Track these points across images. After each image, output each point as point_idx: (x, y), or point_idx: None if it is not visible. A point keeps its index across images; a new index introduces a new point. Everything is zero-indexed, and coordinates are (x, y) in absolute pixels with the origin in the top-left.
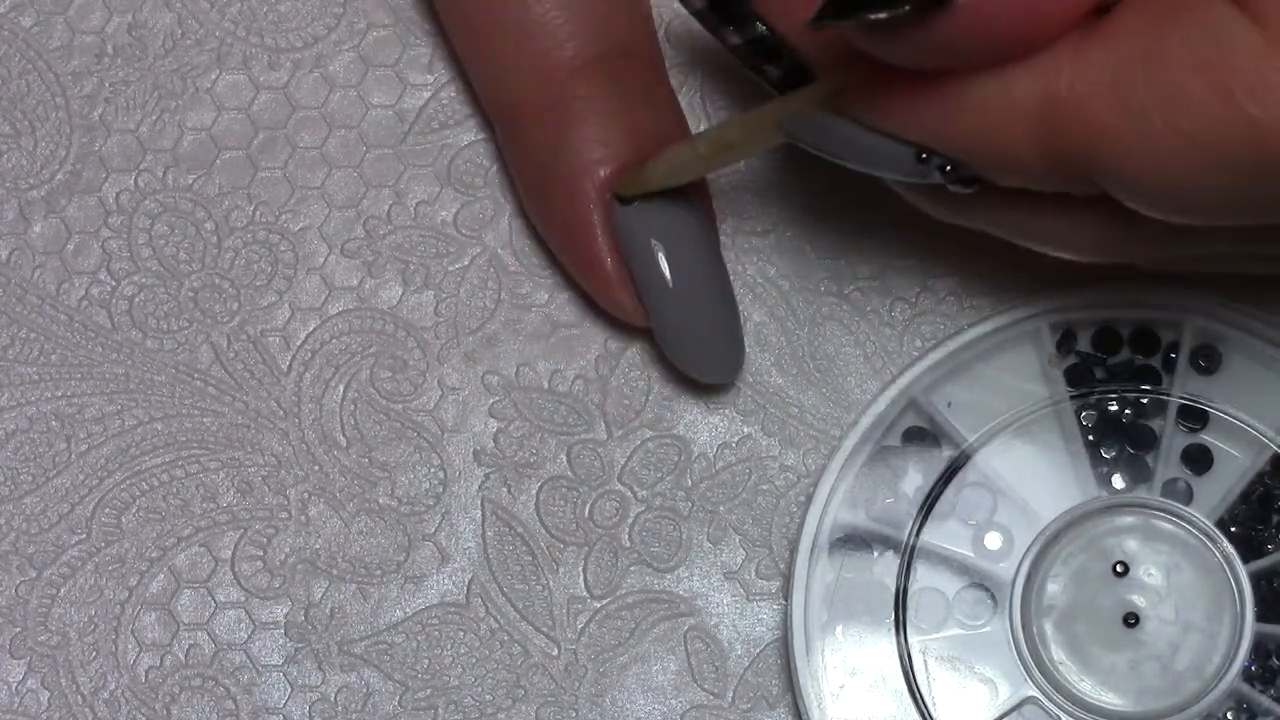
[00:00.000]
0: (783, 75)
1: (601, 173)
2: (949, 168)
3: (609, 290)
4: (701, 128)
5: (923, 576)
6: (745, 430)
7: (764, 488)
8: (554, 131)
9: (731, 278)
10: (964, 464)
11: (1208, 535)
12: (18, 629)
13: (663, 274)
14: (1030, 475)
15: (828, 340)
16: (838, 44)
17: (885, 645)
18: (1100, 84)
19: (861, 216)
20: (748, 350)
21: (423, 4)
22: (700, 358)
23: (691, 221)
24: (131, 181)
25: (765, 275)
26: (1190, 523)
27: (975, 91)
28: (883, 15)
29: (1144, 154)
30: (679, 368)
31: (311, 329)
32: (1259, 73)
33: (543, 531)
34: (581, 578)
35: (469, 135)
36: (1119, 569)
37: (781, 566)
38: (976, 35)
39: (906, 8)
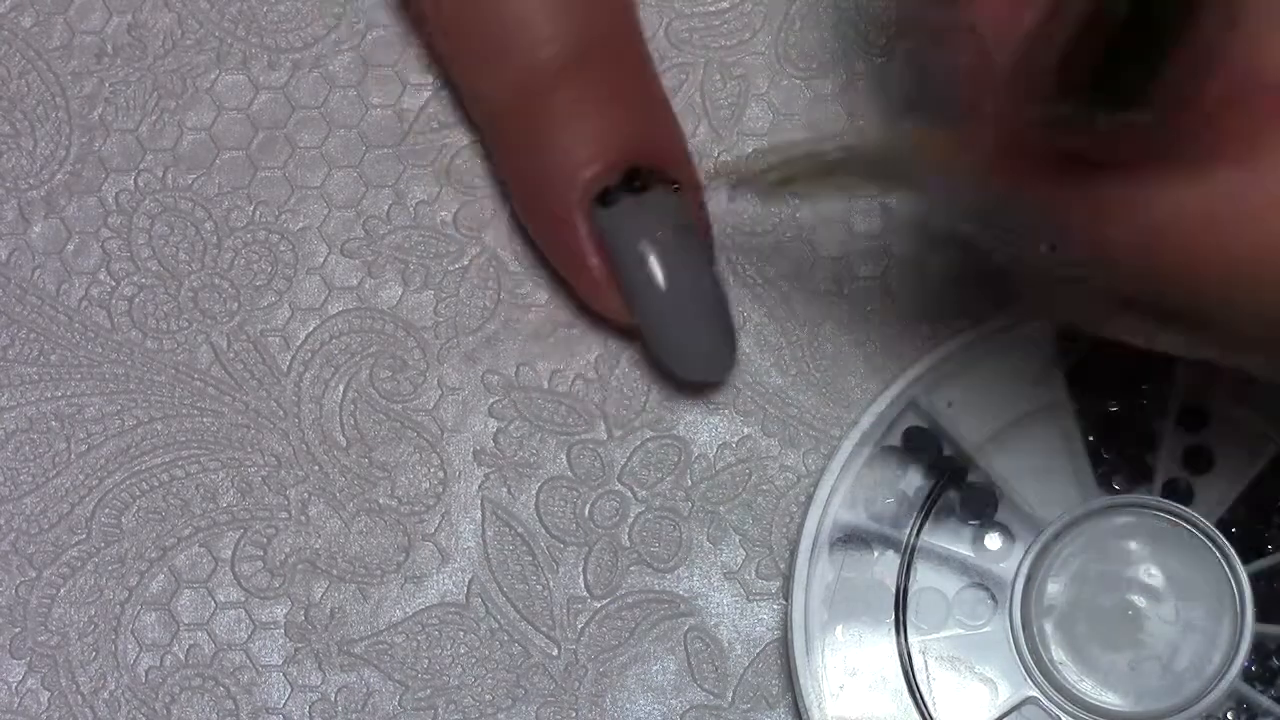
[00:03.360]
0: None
1: (585, 174)
2: (1054, 246)
3: (595, 290)
4: (701, 128)
5: (923, 576)
6: (745, 430)
7: (764, 488)
8: (537, 131)
9: (731, 278)
10: (964, 464)
11: (1208, 536)
12: (18, 629)
13: (650, 276)
14: (1031, 475)
15: (828, 340)
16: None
17: (885, 645)
18: (1229, 200)
19: (862, 216)
20: (748, 351)
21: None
22: (685, 357)
23: (673, 221)
24: (131, 181)
25: (765, 275)
26: (1191, 523)
27: (1126, 193)
28: (1124, 115)
29: (1251, 273)
30: (666, 367)
31: (311, 329)
32: None
33: (543, 531)
34: (581, 578)
35: (469, 135)
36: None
37: (781, 566)
38: (1191, 137)
39: (1141, 110)
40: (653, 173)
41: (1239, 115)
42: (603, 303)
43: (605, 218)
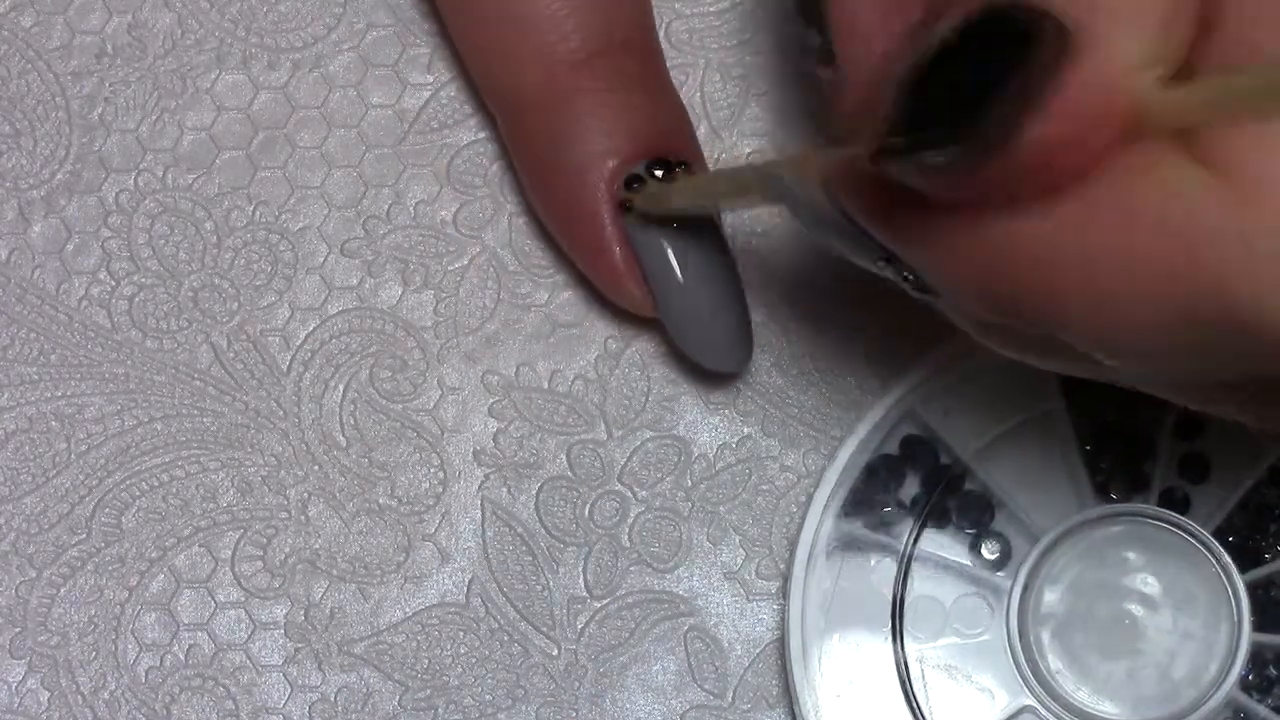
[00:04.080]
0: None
1: (609, 164)
2: (910, 275)
3: (617, 281)
4: (701, 129)
5: (920, 585)
6: (745, 430)
7: (764, 488)
8: (560, 123)
9: None
10: (961, 473)
11: (1205, 545)
12: (18, 629)
13: (671, 266)
14: (1028, 484)
15: (828, 340)
16: (859, 109)
17: (882, 653)
18: (1067, 235)
19: None
20: None
21: (423, 3)
22: (711, 347)
23: (699, 213)
24: (131, 181)
25: (765, 275)
26: (1188, 532)
27: (962, 226)
28: (942, 157)
29: (1102, 307)
30: (689, 356)
31: (311, 329)
32: (1218, 229)
33: (543, 531)
34: (581, 578)
35: (468, 135)
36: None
37: (781, 567)
38: (1026, 174)
39: (963, 149)
40: (674, 162)
41: (1073, 152)
42: (622, 294)
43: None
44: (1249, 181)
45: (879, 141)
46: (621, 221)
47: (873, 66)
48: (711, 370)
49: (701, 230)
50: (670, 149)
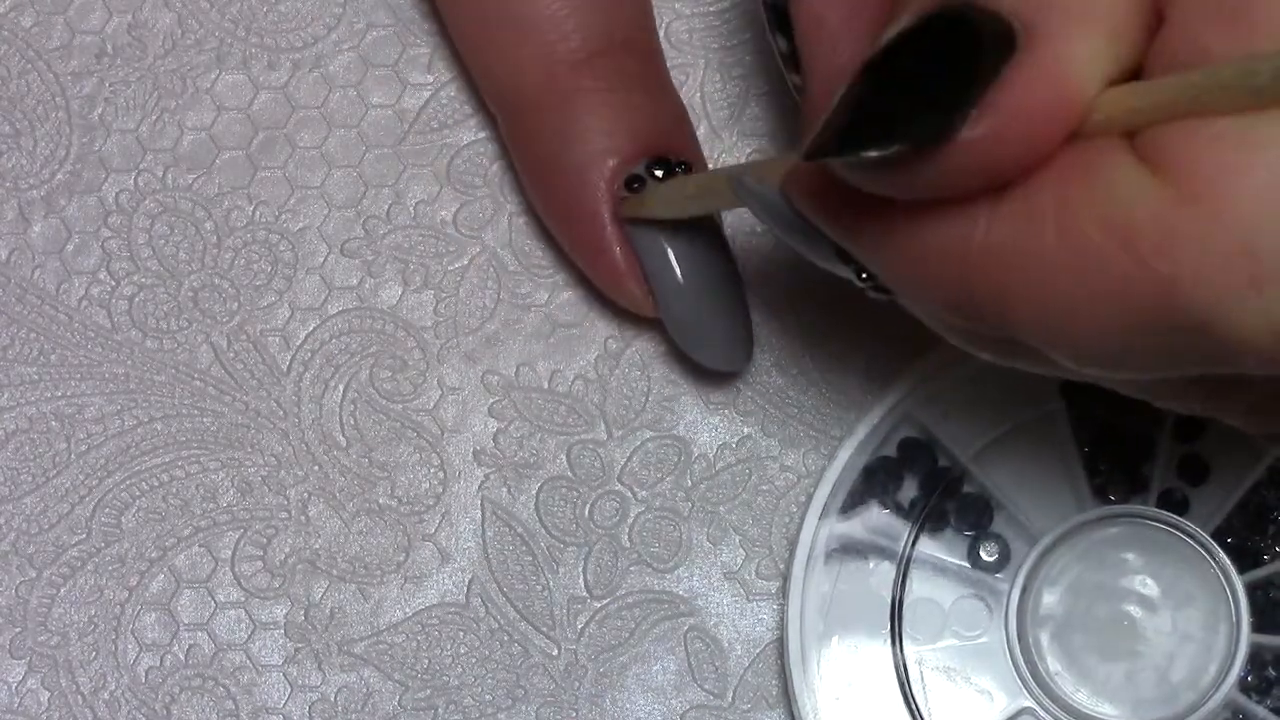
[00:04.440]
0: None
1: (610, 163)
2: (866, 275)
3: (618, 280)
4: (701, 129)
5: (919, 587)
6: (745, 430)
7: (764, 488)
8: (561, 123)
9: None
10: (960, 475)
11: (1204, 546)
12: (18, 629)
13: (671, 266)
14: (1026, 486)
15: (828, 340)
16: (817, 102)
17: (881, 656)
18: (1013, 236)
19: None
20: None
21: (423, 3)
22: (710, 347)
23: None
24: (131, 181)
25: (765, 275)
26: (1187, 533)
27: (909, 226)
28: (877, 154)
29: (1052, 308)
30: (690, 356)
31: (311, 329)
32: (1164, 229)
33: (543, 531)
34: (581, 578)
35: (468, 135)
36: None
37: (781, 567)
38: (967, 173)
39: (900, 146)
40: (675, 162)
41: (1016, 150)
42: (623, 293)
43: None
44: (1198, 181)
45: (814, 139)
46: (621, 221)
47: (839, 68)
48: (711, 370)
49: (701, 230)
50: (671, 149)
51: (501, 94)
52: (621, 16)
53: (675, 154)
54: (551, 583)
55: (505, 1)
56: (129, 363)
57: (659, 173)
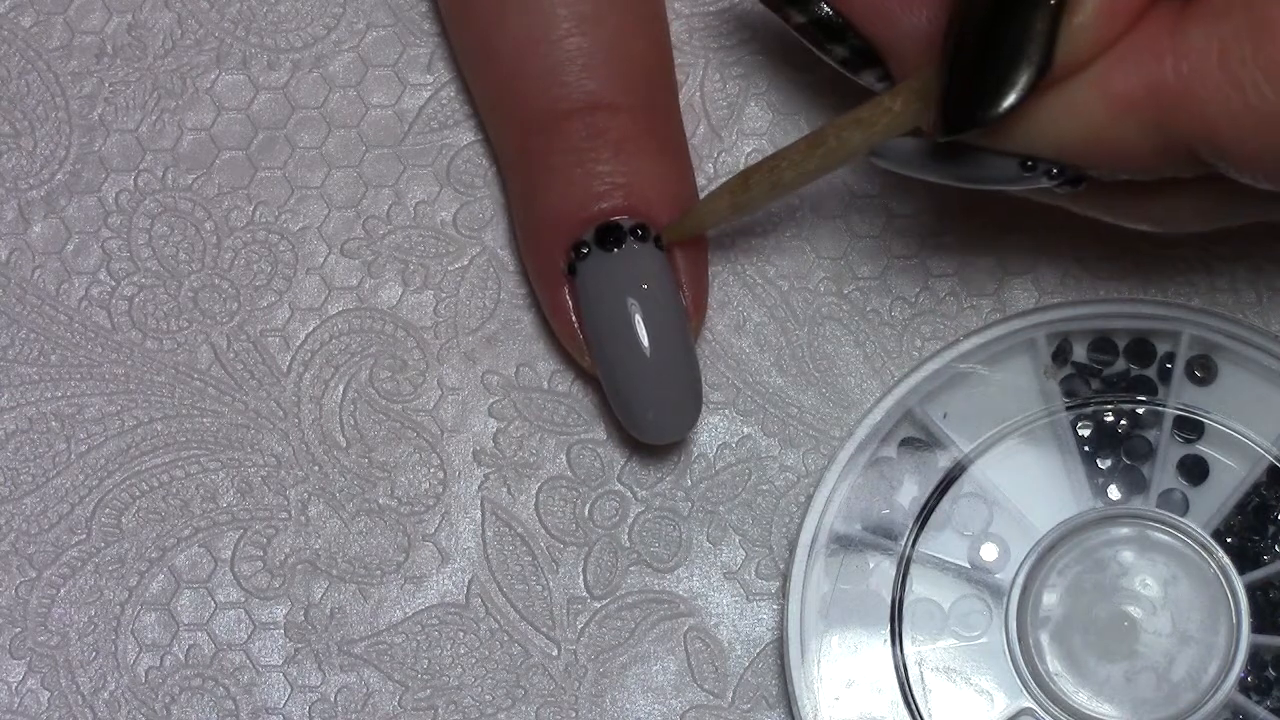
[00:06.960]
0: (850, 56)
1: (561, 228)
2: (1055, 171)
3: (572, 344)
4: (700, 128)
5: (919, 587)
6: (745, 430)
7: (764, 488)
8: (522, 186)
9: (731, 278)
10: (960, 475)
11: (1204, 546)
12: (18, 629)
13: (602, 339)
14: (1026, 486)
15: (828, 340)
16: (914, 35)
17: (881, 655)
18: (1208, 64)
19: (861, 216)
20: (748, 350)
21: (423, 3)
22: (632, 422)
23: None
24: (131, 181)
25: (765, 275)
26: (1186, 534)
27: (1071, 96)
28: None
29: (1259, 129)
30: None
31: (311, 329)
32: None
33: (543, 531)
34: (581, 578)
35: (468, 135)
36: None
37: (781, 567)
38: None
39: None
40: (629, 229)
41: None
42: (579, 357)
43: (578, 274)
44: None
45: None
46: (571, 287)
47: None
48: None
49: (654, 302)
50: (634, 210)
51: (493, 142)
52: (618, 76)
53: (638, 216)
54: (551, 583)
55: (494, 52)
56: (129, 363)
57: (610, 240)
